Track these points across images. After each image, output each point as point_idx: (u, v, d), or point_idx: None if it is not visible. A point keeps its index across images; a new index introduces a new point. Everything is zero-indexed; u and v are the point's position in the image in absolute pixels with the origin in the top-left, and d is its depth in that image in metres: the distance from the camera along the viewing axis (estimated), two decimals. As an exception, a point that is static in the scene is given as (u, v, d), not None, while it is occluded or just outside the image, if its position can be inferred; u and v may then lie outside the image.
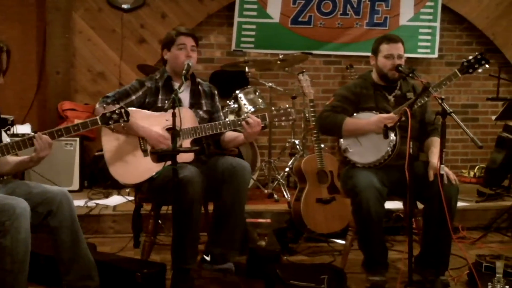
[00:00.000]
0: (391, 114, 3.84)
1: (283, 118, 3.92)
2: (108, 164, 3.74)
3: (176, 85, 3.87)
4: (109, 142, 3.75)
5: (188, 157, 3.69)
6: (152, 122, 3.80)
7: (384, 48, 4.00)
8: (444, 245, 3.73)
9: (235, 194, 3.71)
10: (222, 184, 3.73)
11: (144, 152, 3.76)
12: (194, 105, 4.01)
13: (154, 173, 3.68)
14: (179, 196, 3.34)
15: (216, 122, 3.90)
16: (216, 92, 4.20)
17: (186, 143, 3.76)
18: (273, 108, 5.59)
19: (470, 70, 3.85)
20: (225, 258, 3.74)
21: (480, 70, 3.87)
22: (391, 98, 4.04)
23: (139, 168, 3.73)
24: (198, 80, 4.11)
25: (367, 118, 3.91)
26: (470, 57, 3.85)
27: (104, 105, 3.69)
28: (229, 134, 4.05)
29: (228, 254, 3.75)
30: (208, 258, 3.75)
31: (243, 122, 3.79)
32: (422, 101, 3.86)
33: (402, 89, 4.07)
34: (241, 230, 3.86)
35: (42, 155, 3.20)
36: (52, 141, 3.21)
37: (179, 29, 4.04)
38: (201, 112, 4.02)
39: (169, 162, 3.31)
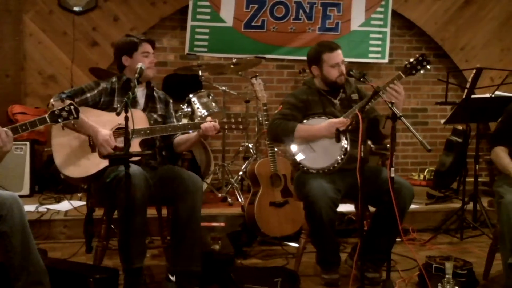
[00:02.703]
0: (341, 119, 3.88)
1: (233, 126, 3.89)
2: (55, 159, 3.71)
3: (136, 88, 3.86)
4: (58, 137, 3.73)
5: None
6: (104, 121, 3.77)
7: (328, 57, 4.02)
8: (387, 244, 3.78)
9: (190, 212, 3.67)
10: (175, 198, 3.70)
11: (92, 147, 3.74)
12: (149, 108, 3.99)
13: (100, 168, 3.66)
14: (124, 198, 3.30)
15: (167, 125, 3.91)
16: (171, 100, 4.18)
17: (135, 143, 3.71)
18: (226, 113, 5.59)
19: (413, 72, 3.84)
20: (190, 273, 3.67)
21: (422, 72, 3.84)
22: (336, 102, 4.09)
23: (87, 162, 3.71)
24: (154, 87, 4.09)
25: (318, 124, 3.95)
26: (412, 59, 3.85)
27: (58, 100, 3.62)
28: (180, 137, 4.03)
29: (190, 270, 3.68)
30: (173, 279, 3.70)
31: (201, 125, 3.76)
32: (371, 104, 3.89)
33: (347, 92, 4.12)
34: (199, 244, 3.78)
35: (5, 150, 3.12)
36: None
37: (138, 35, 4.00)
38: (155, 116, 3.99)
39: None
